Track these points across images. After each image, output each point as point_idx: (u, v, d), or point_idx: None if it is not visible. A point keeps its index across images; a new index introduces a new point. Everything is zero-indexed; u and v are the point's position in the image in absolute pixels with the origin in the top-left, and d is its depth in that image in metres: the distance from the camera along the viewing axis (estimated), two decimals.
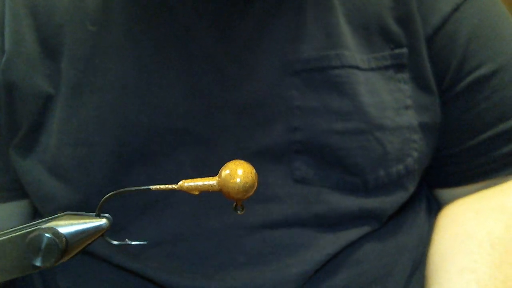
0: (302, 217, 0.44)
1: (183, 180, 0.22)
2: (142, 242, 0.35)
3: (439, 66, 0.47)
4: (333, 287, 0.44)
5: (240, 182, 0.19)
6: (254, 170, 0.20)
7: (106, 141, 0.43)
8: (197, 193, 0.23)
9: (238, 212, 0.21)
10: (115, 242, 0.29)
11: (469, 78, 0.47)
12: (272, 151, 0.44)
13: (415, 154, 0.46)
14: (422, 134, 0.47)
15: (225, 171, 0.20)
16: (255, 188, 0.20)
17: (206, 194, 0.46)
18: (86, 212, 0.28)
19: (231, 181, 0.19)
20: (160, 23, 0.44)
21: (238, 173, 0.19)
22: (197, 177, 0.44)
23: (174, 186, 0.23)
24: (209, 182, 0.21)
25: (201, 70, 0.44)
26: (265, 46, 0.44)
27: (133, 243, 0.30)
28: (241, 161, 0.20)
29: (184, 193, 0.45)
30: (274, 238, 0.44)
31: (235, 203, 0.22)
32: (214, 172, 0.44)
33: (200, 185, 0.22)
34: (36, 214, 0.53)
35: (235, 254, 0.44)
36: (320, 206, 0.44)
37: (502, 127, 0.47)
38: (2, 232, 0.28)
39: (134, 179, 0.44)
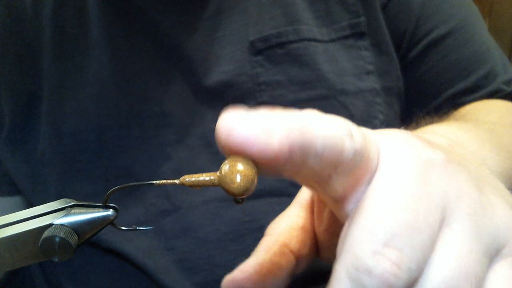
0: (280, 187, 0.47)
1: (185, 176, 0.23)
2: (147, 228, 0.36)
3: (395, 32, 0.50)
4: None
5: (240, 185, 0.19)
6: (255, 171, 0.20)
7: (89, 129, 0.47)
8: (198, 188, 0.23)
9: (238, 202, 0.21)
10: (123, 228, 0.31)
11: (424, 41, 0.50)
12: None
13: (381, 116, 0.49)
14: (386, 97, 0.50)
15: (225, 169, 0.20)
16: (254, 187, 0.20)
17: (186, 171, 0.48)
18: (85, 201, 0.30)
19: (231, 185, 0.20)
20: (131, 20, 0.47)
21: (237, 177, 0.19)
22: (179, 158, 0.46)
23: (175, 181, 0.23)
24: (210, 177, 0.21)
25: (171, 59, 0.47)
26: (227, 32, 0.47)
27: (140, 228, 0.32)
28: (241, 160, 0.20)
29: (166, 173, 0.47)
30: (254, 207, 0.47)
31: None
32: (192, 151, 0.46)
33: (201, 180, 0.23)
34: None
35: (218, 225, 0.47)
36: None
37: (461, 84, 0.50)
38: (11, 220, 0.29)
39: (118, 164, 0.47)
